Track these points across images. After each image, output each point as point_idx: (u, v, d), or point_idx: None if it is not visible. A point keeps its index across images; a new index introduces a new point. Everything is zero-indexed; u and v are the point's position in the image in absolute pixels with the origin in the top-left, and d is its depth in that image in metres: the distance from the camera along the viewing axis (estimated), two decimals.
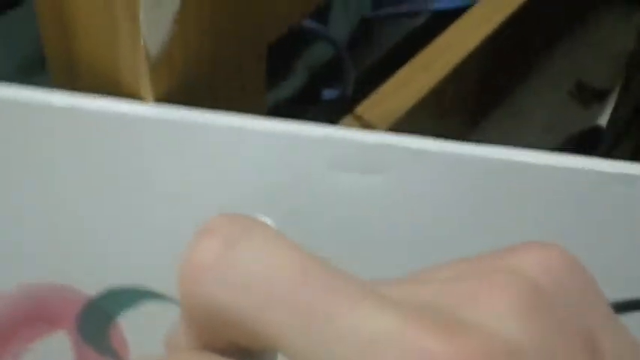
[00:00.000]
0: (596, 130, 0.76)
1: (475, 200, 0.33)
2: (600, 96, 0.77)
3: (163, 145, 0.32)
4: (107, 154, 0.33)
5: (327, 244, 0.34)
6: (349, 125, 0.51)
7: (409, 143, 0.33)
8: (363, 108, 0.52)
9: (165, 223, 0.34)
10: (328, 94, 0.52)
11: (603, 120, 0.76)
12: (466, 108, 0.61)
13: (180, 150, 0.32)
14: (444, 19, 0.56)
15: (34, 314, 0.38)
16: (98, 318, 0.37)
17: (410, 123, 0.53)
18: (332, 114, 0.51)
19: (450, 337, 0.17)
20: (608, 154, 0.71)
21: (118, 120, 0.32)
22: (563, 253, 0.21)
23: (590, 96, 0.77)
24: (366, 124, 0.51)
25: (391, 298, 0.19)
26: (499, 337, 0.18)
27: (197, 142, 0.32)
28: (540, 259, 0.20)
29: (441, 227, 0.33)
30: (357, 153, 0.32)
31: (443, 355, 0.17)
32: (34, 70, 0.42)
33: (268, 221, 0.33)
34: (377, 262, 0.32)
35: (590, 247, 0.34)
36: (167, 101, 0.33)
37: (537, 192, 0.33)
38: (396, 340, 0.17)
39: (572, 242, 0.29)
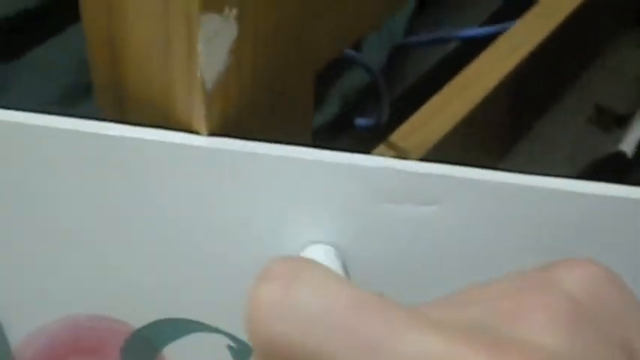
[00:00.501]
0: (618, 156, 0.76)
1: (528, 230, 0.33)
2: (620, 121, 0.77)
3: (217, 176, 0.32)
4: (160, 185, 0.32)
5: (380, 276, 0.34)
6: (383, 154, 0.51)
7: (461, 173, 0.33)
8: (396, 136, 0.52)
9: (216, 255, 0.34)
10: (361, 122, 0.52)
11: (625, 145, 0.76)
12: (496, 137, 0.61)
13: (233, 181, 0.32)
14: (474, 46, 0.56)
15: (78, 347, 0.37)
16: (143, 350, 0.37)
17: (443, 151, 0.53)
18: (365, 142, 0.51)
19: (495, 354, 0.19)
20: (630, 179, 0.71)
21: (172, 150, 0.32)
22: (601, 268, 0.22)
23: (610, 121, 0.77)
24: (401, 153, 0.51)
25: (438, 321, 0.20)
26: (542, 350, 0.19)
27: (249, 172, 0.32)
28: (580, 275, 0.21)
29: (495, 257, 0.33)
30: (410, 184, 0.32)
31: None
32: (77, 99, 0.42)
33: (331, 251, 0.33)
34: (432, 294, 0.32)
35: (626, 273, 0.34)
36: (220, 134, 0.32)
37: (585, 221, 0.33)
38: None
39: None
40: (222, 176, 0.32)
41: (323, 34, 0.35)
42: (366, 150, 0.51)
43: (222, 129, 0.33)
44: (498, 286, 0.22)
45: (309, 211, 0.33)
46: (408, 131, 0.51)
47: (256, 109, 0.34)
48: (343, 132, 0.53)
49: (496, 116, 0.58)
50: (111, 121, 0.32)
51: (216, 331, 0.36)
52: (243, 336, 0.36)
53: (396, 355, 0.19)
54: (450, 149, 0.53)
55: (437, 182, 0.32)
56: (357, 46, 0.52)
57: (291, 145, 0.32)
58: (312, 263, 0.23)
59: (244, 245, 0.34)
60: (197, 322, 0.36)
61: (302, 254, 0.33)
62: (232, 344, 0.36)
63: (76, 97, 0.43)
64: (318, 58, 0.36)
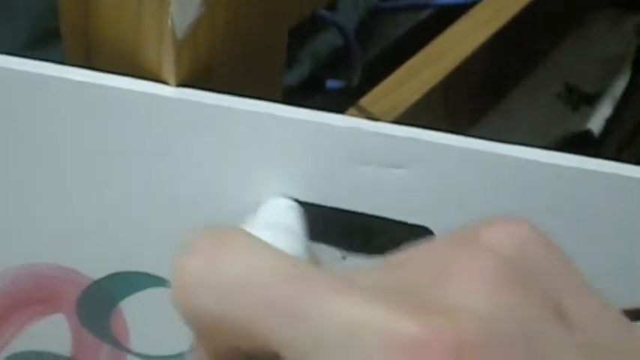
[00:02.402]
0: (585, 134, 0.76)
1: (494, 198, 0.33)
2: (588, 99, 0.77)
3: (184, 127, 0.31)
4: (125, 134, 0.32)
5: None
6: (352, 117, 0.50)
7: (430, 137, 0.32)
8: (367, 100, 0.51)
9: (179, 208, 0.33)
10: (332, 84, 0.51)
11: (592, 124, 0.76)
12: (466, 107, 0.60)
13: (200, 133, 0.32)
14: (450, 14, 0.55)
15: (34, 295, 0.36)
16: (99, 302, 0.36)
17: (413, 117, 0.52)
18: (335, 105, 0.51)
19: (419, 317, 0.18)
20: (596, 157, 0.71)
21: (139, 99, 0.31)
22: (530, 226, 0.22)
23: (578, 99, 0.77)
24: (370, 117, 0.50)
25: (366, 287, 0.20)
26: (469, 312, 0.19)
27: (218, 125, 0.31)
28: (508, 233, 0.21)
29: (460, 223, 0.33)
30: (379, 146, 0.31)
31: (413, 335, 0.18)
32: (43, 45, 0.41)
33: (294, 206, 0.32)
34: None
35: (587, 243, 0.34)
36: (189, 85, 0.32)
37: (552, 192, 0.33)
38: (370, 327, 0.18)
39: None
40: (189, 128, 0.31)
41: None
42: (335, 112, 0.51)
43: (191, 80, 0.32)
44: (428, 247, 0.22)
45: (276, 167, 0.32)
46: (379, 96, 0.51)
47: (227, 62, 0.33)
48: (314, 93, 0.52)
49: (467, 86, 0.58)
50: (77, 67, 0.31)
51: None
52: None
53: (320, 323, 0.19)
54: (419, 116, 0.52)
55: (405, 145, 0.31)
56: (331, 7, 0.51)
57: (261, 101, 0.32)
58: (236, 232, 0.22)
59: (210, 199, 0.33)
60: (156, 277, 0.35)
61: (264, 206, 0.32)
62: None
63: (42, 42, 0.42)
64: (293, 14, 0.35)
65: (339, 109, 0.50)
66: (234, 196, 0.33)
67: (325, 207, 0.33)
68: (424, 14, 0.57)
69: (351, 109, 0.51)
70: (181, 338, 0.37)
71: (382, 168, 0.32)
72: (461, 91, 0.57)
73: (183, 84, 0.32)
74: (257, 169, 0.32)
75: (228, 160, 0.32)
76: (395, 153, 0.32)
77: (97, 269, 0.35)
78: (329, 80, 0.51)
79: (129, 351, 0.37)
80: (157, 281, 0.35)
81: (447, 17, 0.56)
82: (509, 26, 0.58)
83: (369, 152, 0.32)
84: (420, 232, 0.33)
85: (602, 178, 0.32)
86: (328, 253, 0.34)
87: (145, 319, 0.37)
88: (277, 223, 0.31)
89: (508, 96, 0.69)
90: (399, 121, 0.51)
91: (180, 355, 0.37)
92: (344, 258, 0.34)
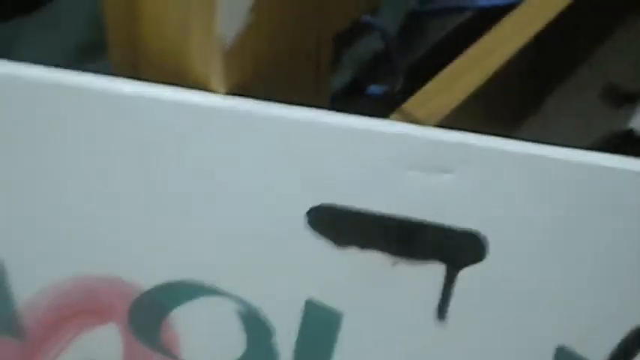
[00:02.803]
0: (628, 133, 0.75)
1: (542, 200, 0.32)
2: (630, 98, 0.76)
3: (234, 137, 0.31)
4: (175, 145, 0.32)
5: None
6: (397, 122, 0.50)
7: (477, 141, 0.32)
8: (409, 105, 0.51)
9: (230, 218, 0.34)
10: (374, 89, 0.51)
11: (635, 122, 0.75)
12: (508, 109, 0.60)
13: (250, 142, 0.32)
14: (491, 15, 0.55)
15: (85, 307, 0.37)
16: (151, 312, 0.37)
17: (455, 122, 0.52)
18: (378, 110, 0.50)
19: None
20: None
21: (189, 110, 0.31)
22: None
23: (620, 98, 0.76)
24: (413, 122, 0.50)
25: None
26: None
27: (268, 134, 0.31)
28: None
29: (510, 227, 0.33)
30: (426, 151, 0.31)
31: None
32: (89, 58, 0.41)
33: None
34: None
35: None
36: (238, 94, 0.32)
37: (598, 194, 0.33)
38: None
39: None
40: (239, 137, 0.31)
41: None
42: (379, 117, 0.51)
43: (240, 89, 0.32)
44: None
45: (325, 175, 0.32)
46: (421, 100, 0.51)
47: (274, 70, 0.33)
48: (356, 99, 0.52)
49: (509, 89, 0.58)
50: (125, 78, 0.31)
51: (227, 295, 0.35)
52: (254, 301, 0.35)
53: None
54: (462, 120, 0.52)
55: (452, 149, 0.31)
56: (372, 12, 0.51)
57: (309, 108, 0.32)
58: None
59: (260, 208, 0.33)
60: (207, 286, 0.35)
61: None
62: (242, 309, 0.36)
63: (89, 55, 0.42)
64: (337, 20, 0.35)
65: (382, 114, 0.50)
66: (283, 205, 0.33)
67: (374, 213, 0.33)
68: (465, 16, 0.57)
69: (395, 114, 0.50)
70: (232, 347, 0.37)
71: (430, 173, 0.32)
72: (501, 95, 0.56)
73: (232, 92, 0.32)
74: (306, 177, 0.32)
75: (277, 169, 0.32)
76: (442, 158, 0.31)
77: (148, 279, 0.35)
78: (371, 85, 0.51)
79: None
80: (209, 291, 0.36)
81: (488, 19, 0.55)
82: (548, 29, 0.58)
83: (416, 157, 0.31)
84: (469, 238, 0.33)
85: None
86: (378, 259, 0.34)
87: (195, 328, 0.37)
88: None
89: (548, 99, 0.68)
90: (441, 125, 0.51)
91: None
92: (394, 264, 0.34)
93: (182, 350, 0.37)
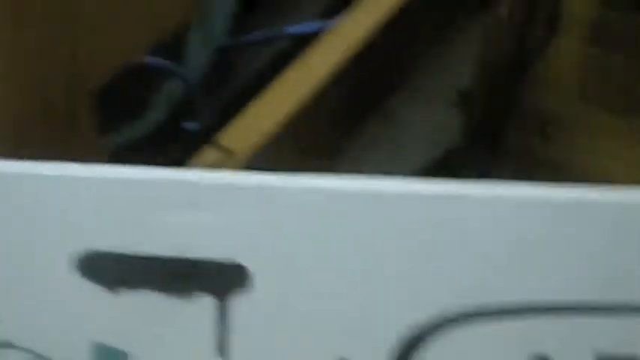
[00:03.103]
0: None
1: (301, 231, 0.34)
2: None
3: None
4: None
5: None
6: (211, 155, 0.52)
7: (239, 180, 0.34)
8: (223, 137, 0.53)
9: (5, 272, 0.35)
10: (189, 125, 0.53)
11: None
12: (335, 127, 0.62)
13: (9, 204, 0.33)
14: (305, 43, 0.57)
15: None
16: None
17: (275, 148, 0.54)
18: (194, 145, 0.52)
19: None
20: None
21: None
22: None
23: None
24: (227, 154, 0.52)
25: None
26: None
27: (24, 191, 0.33)
28: None
29: (274, 259, 0.34)
30: (185, 192, 0.33)
31: None
32: None
33: None
34: None
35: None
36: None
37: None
38: None
39: None
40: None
41: (99, 50, 0.36)
42: (196, 152, 0.52)
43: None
44: None
45: (89, 222, 0.34)
46: (236, 131, 0.52)
47: (32, 127, 0.35)
48: (172, 137, 0.54)
49: (332, 108, 0.59)
50: None
51: (18, 348, 0.37)
52: (44, 351, 0.37)
53: None
54: (282, 146, 0.54)
55: (208, 190, 0.33)
56: (178, 54, 0.52)
57: (64, 163, 0.33)
58: None
59: (29, 258, 0.35)
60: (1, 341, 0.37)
61: None
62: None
63: None
64: (97, 74, 0.36)
65: (198, 149, 0.52)
66: (50, 254, 0.34)
67: (139, 255, 0.34)
68: (281, 45, 0.59)
69: (208, 148, 0.52)
70: None
71: (188, 212, 0.33)
72: (323, 115, 0.58)
73: None
74: (70, 226, 0.34)
75: (40, 221, 0.33)
76: (198, 197, 0.33)
77: None
78: (187, 122, 0.53)
79: None
80: (3, 344, 0.37)
81: (304, 46, 0.57)
82: (366, 45, 0.60)
83: (174, 199, 0.33)
84: (231, 269, 0.34)
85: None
86: (152, 298, 0.35)
87: None
88: None
89: (388, 112, 0.70)
90: (258, 154, 0.53)
91: None
92: (167, 302, 0.35)
93: None
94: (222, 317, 0.35)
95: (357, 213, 0.34)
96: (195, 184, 0.33)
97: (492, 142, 0.59)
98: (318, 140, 0.59)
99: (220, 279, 0.35)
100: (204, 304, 0.35)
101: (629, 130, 0.54)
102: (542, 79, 0.57)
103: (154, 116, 0.52)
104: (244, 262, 0.34)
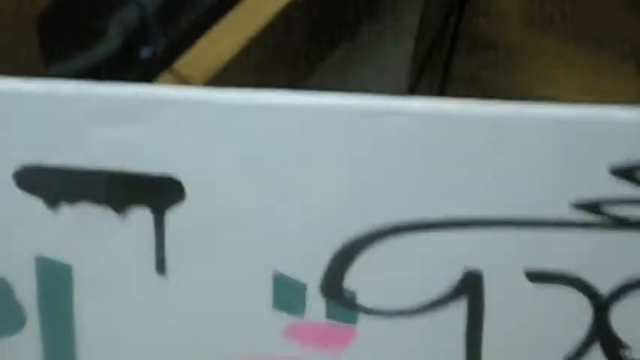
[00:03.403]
0: None
1: (237, 143, 0.35)
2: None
3: None
4: None
5: None
6: (166, 82, 0.52)
7: (174, 94, 0.35)
8: (180, 64, 0.53)
9: None
10: (145, 52, 0.53)
11: None
12: (296, 55, 0.62)
13: None
14: None
15: None
16: None
17: (230, 75, 0.54)
18: (152, 74, 0.53)
19: None
20: None
21: None
22: None
23: None
24: (184, 80, 0.52)
25: None
26: None
27: None
28: None
29: (206, 170, 0.35)
30: (110, 106, 0.34)
31: None
32: None
33: None
34: None
35: None
36: None
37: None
38: None
39: None
40: None
41: None
42: (151, 80, 0.53)
43: None
44: None
45: (26, 137, 0.35)
46: (191, 58, 0.53)
47: None
48: (128, 65, 0.54)
49: (294, 36, 0.60)
50: None
51: None
52: None
53: None
54: (239, 73, 0.54)
55: (129, 102, 0.34)
56: None
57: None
58: None
59: None
60: None
61: None
62: None
63: None
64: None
65: (154, 76, 0.52)
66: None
67: (74, 169, 0.35)
68: None
69: (165, 74, 0.53)
70: None
71: (118, 125, 0.34)
72: (282, 43, 0.59)
73: None
74: (8, 141, 0.35)
75: None
76: (128, 110, 0.34)
77: None
78: (143, 49, 0.53)
79: None
80: None
81: None
82: None
83: (103, 112, 0.34)
84: (165, 182, 0.35)
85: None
86: (90, 211, 0.36)
87: None
88: None
89: (353, 40, 0.70)
90: (215, 80, 0.53)
91: None
92: (105, 215, 0.36)
93: None
94: (159, 231, 0.36)
95: (289, 126, 0.35)
96: (131, 97, 0.34)
97: (442, 72, 0.60)
98: (280, 66, 0.59)
99: (156, 193, 0.36)
100: (141, 218, 0.36)
101: (574, 57, 0.54)
102: (487, 6, 0.57)
103: (108, 44, 0.52)
104: (179, 176, 0.35)
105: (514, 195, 0.36)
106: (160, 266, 0.37)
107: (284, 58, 0.61)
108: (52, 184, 0.36)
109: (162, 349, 0.40)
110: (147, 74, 0.52)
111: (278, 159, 0.35)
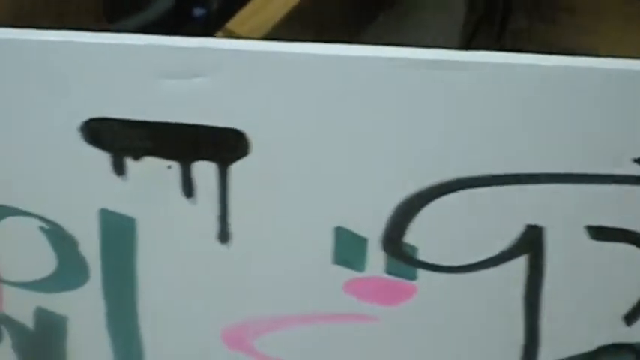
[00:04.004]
0: None
1: (301, 98, 0.35)
2: None
3: None
4: None
5: None
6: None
7: (238, 46, 0.35)
8: (233, 23, 0.53)
9: (16, 141, 0.36)
10: (198, 12, 0.53)
11: None
12: (348, 13, 0.62)
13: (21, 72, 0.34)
14: None
15: None
16: None
17: (282, 34, 0.54)
18: (204, 32, 0.53)
19: None
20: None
21: None
22: None
23: None
24: (238, 39, 0.52)
25: None
26: None
27: (30, 57, 0.34)
28: None
29: (271, 124, 0.35)
30: (176, 59, 0.34)
31: None
32: None
33: None
34: None
35: None
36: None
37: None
38: None
39: None
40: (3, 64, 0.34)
41: None
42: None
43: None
44: None
45: (92, 90, 0.35)
46: (244, 18, 0.53)
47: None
48: (181, 23, 0.55)
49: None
50: None
51: (28, 214, 0.38)
52: (53, 217, 0.38)
53: None
54: (292, 31, 0.54)
55: (199, 55, 0.34)
56: None
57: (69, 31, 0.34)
58: None
59: (37, 127, 0.36)
60: (9, 207, 0.38)
61: None
62: (45, 226, 0.38)
63: None
64: None
65: (208, 35, 0.52)
66: (57, 122, 0.35)
67: (140, 122, 0.35)
68: None
69: (218, 34, 0.53)
70: (45, 262, 0.40)
71: (183, 79, 0.34)
72: (334, 4, 0.59)
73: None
74: (74, 94, 0.35)
75: (44, 89, 0.34)
76: (191, 64, 0.34)
77: None
78: (196, 8, 0.53)
79: (1, 280, 0.40)
80: (13, 211, 0.38)
81: None
82: None
83: (169, 66, 0.34)
84: (230, 135, 0.35)
85: None
86: (154, 165, 0.36)
87: (7, 249, 0.39)
88: None
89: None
90: (266, 39, 0.53)
91: (49, 277, 0.40)
92: (169, 167, 0.36)
93: (1, 270, 0.40)
94: (223, 183, 0.37)
95: (354, 80, 0.34)
96: (196, 50, 0.34)
97: (500, 27, 0.60)
98: (331, 27, 0.59)
99: (222, 146, 0.36)
100: (206, 172, 0.37)
101: (636, 15, 0.53)
102: None
103: (162, 4, 0.52)
104: (243, 129, 0.35)
105: (577, 150, 0.36)
106: (223, 220, 0.37)
107: (335, 17, 0.60)
108: (117, 138, 0.36)
109: (222, 302, 0.40)
110: (200, 33, 0.52)
111: (342, 113, 0.35)
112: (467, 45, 0.60)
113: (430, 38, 0.60)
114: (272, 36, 0.53)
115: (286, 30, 0.54)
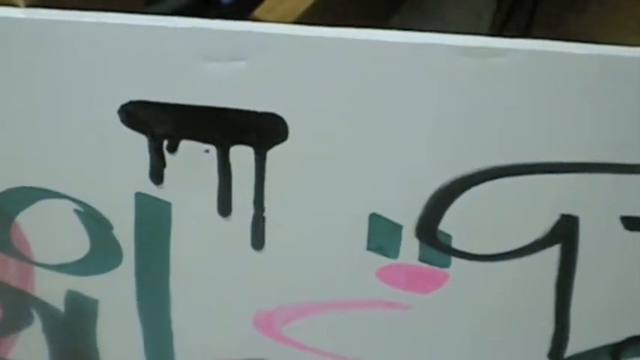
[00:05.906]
0: None
1: (341, 82, 0.35)
2: None
3: (37, 46, 0.34)
4: None
5: None
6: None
7: (269, 29, 0.34)
8: (260, 11, 0.53)
9: (52, 126, 0.36)
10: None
11: None
12: (372, 4, 0.62)
13: (54, 50, 0.34)
14: None
15: None
16: None
17: (310, 21, 0.54)
18: (232, 18, 0.53)
19: None
20: None
21: None
22: None
23: None
24: None
25: None
26: None
27: (70, 41, 0.34)
28: None
29: (309, 110, 0.35)
30: (217, 42, 0.34)
31: None
32: None
33: None
34: None
35: None
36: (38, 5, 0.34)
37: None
38: None
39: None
40: (42, 47, 0.34)
41: None
42: None
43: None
44: None
45: (131, 73, 0.35)
46: (272, 5, 0.53)
47: None
48: (210, 10, 0.54)
49: None
50: None
51: (63, 196, 0.38)
52: (88, 199, 0.38)
53: None
54: (319, 18, 0.54)
55: (240, 38, 0.34)
56: None
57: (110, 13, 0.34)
58: None
59: (76, 111, 0.36)
60: (44, 190, 0.38)
61: None
62: (79, 208, 0.38)
63: None
64: None
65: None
66: (97, 106, 0.35)
67: (179, 105, 0.35)
68: None
69: (247, 21, 0.53)
70: (78, 244, 0.40)
71: (224, 62, 0.34)
72: None
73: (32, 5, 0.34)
74: (113, 77, 0.35)
75: (80, 73, 0.34)
76: (232, 47, 0.34)
77: None
78: None
79: (33, 262, 0.40)
80: (45, 194, 0.38)
81: None
82: None
83: (209, 49, 0.34)
84: (269, 119, 0.35)
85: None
86: (191, 148, 0.36)
87: (41, 230, 0.39)
88: None
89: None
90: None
91: (81, 260, 0.40)
92: (207, 151, 0.36)
93: (34, 253, 0.40)
94: (260, 168, 0.37)
95: (392, 66, 0.34)
96: (239, 34, 0.34)
97: (527, 16, 0.59)
98: (356, 15, 0.59)
99: (260, 131, 0.36)
100: (243, 157, 0.37)
101: None
102: None
103: None
104: (281, 113, 0.35)
105: (612, 140, 0.36)
106: (259, 205, 0.37)
107: (360, 6, 0.60)
108: (156, 121, 0.36)
109: (255, 288, 0.40)
110: (229, 20, 0.52)
111: (379, 99, 0.35)
112: (498, 33, 0.60)
113: (457, 26, 0.60)
114: (299, 23, 0.53)
115: (312, 18, 0.54)
